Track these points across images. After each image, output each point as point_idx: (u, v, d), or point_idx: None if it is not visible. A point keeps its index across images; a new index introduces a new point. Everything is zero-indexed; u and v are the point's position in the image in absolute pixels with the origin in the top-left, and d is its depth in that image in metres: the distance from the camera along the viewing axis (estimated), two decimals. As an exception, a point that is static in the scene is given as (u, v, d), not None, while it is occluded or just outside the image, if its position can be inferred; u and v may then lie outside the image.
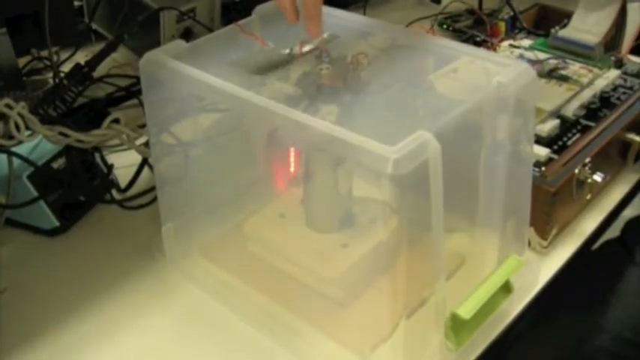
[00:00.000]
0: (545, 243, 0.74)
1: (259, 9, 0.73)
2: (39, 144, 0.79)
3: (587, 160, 0.74)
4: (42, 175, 0.77)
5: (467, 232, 0.74)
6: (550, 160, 0.75)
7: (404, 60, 0.66)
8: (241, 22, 0.71)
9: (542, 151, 0.75)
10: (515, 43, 0.96)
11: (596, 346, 0.85)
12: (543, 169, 0.73)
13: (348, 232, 0.71)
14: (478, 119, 0.59)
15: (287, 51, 0.66)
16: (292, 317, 0.68)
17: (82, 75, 0.91)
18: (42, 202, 0.77)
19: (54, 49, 1.08)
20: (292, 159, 0.64)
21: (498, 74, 0.60)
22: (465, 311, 0.61)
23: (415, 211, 0.57)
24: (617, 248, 0.93)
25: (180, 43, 0.67)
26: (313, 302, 0.69)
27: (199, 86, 0.61)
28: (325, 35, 0.69)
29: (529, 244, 0.75)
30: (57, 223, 0.78)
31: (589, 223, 0.78)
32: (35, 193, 0.76)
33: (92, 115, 0.95)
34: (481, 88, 0.60)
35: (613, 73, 0.88)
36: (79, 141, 0.77)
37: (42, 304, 0.71)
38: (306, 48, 0.67)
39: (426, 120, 0.56)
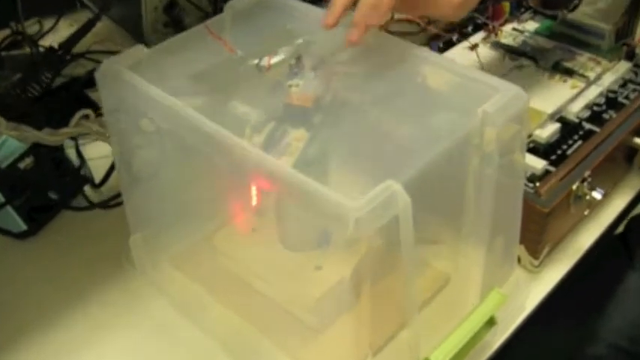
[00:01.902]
0: (536, 262, 0.67)
1: (232, 4, 0.65)
2: (5, 142, 0.72)
3: (587, 174, 0.66)
4: (8, 178, 0.70)
5: (452, 246, 0.66)
6: (546, 173, 0.66)
7: (384, 75, 0.58)
8: (212, 20, 0.63)
9: (538, 164, 0.67)
10: (519, 27, 0.86)
11: (591, 356, 0.78)
12: (538, 184, 0.65)
13: (323, 252, 0.64)
14: (461, 153, 0.51)
15: (255, 62, 0.58)
16: (261, 338, 0.62)
17: (57, 58, 0.83)
18: (9, 207, 0.70)
19: (34, 19, 1.00)
20: (254, 193, 0.57)
21: (486, 101, 0.51)
22: (440, 356, 0.54)
23: (383, 253, 0.50)
24: (618, 247, 0.85)
25: (141, 50, 0.59)
26: (284, 324, 0.63)
27: (155, 108, 0.53)
28: (300, 41, 0.60)
29: (519, 260, 0.68)
30: (25, 227, 0.72)
31: (586, 238, 0.71)
32: (1, 199, 0.69)
33: (72, 97, 0.88)
34: (467, 115, 0.51)
35: (623, 66, 0.78)
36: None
37: (3, 312, 0.65)
38: (276, 59, 0.58)
39: (399, 160, 0.48)
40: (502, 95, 0.51)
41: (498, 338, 0.62)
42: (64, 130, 0.73)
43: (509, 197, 0.58)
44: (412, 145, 0.51)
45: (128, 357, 0.62)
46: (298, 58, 0.59)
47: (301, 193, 0.45)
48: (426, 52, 0.59)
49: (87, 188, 0.78)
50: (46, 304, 0.66)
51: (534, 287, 0.67)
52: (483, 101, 0.51)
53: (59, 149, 0.75)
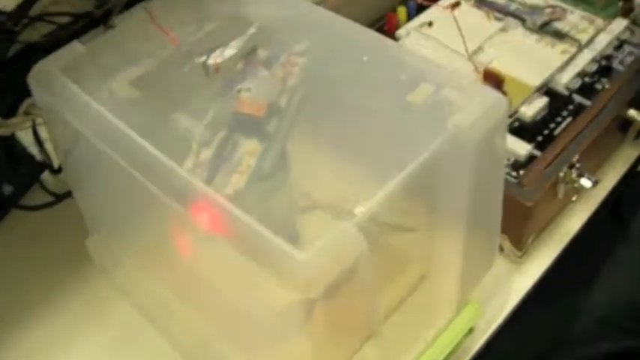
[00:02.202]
0: (519, 253, 0.62)
1: (177, -16, 0.57)
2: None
3: (576, 158, 0.60)
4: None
5: (429, 236, 0.62)
6: (531, 159, 0.61)
7: (350, 76, 0.51)
8: (154, 2, 0.55)
9: (522, 149, 0.61)
10: (507, -20, 0.77)
11: (582, 331, 0.75)
12: (521, 173, 0.59)
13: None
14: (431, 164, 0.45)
15: (202, 59, 0.51)
16: (225, 347, 0.58)
17: (5, 31, 0.75)
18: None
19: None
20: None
21: (457, 111, 0.45)
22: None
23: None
24: (608, 220, 0.80)
25: (77, 47, 0.53)
26: (249, 332, 0.59)
27: (87, 124, 0.48)
28: (253, 30, 0.53)
29: (501, 249, 0.63)
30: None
31: (574, 222, 0.66)
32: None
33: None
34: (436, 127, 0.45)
35: (619, 25, 0.71)
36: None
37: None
38: (226, 54, 0.51)
39: (361, 181, 0.43)
40: (479, 103, 0.45)
41: (476, 343, 0.58)
42: (12, 120, 0.67)
43: (487, 187, 0.53)
44: (377, 166, 0.45)
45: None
46: (251, 52, 0.52)
47: (244, 239, 0.40)
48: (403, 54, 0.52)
49: (45, 174, 0.73)
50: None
51: (518, 277, 0.63)
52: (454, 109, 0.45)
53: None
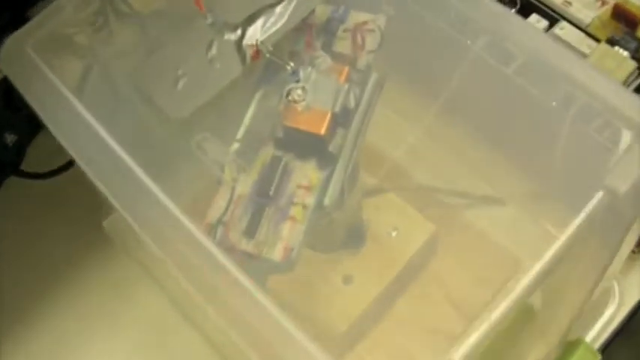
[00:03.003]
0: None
1: None
2: None
3: None
4: None
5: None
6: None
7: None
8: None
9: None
10: None
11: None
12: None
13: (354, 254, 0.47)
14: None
15: (232, 36, 0.35)
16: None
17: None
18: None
19: None
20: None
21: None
22: None
23: None
24: None
25: (63, 8, 0.37)
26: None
27: (64, 134, 0.33)
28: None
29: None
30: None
31: None
32: None
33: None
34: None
35: None
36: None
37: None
38: (271, 25, 0.35)
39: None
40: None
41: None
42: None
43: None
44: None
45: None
46: (305, 22, 0.36)
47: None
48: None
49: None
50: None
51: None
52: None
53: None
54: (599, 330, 0.47)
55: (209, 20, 0.36)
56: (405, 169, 0.51)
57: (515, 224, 0.51)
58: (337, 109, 0.33)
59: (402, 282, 0.47)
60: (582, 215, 0.28)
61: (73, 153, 0.33)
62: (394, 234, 0.47)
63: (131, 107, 0.37)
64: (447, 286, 0.49)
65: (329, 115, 0.34)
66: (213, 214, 0.34)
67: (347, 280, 0.46)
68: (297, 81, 0.33)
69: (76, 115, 0.34)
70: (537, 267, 0.28)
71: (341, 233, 0.45)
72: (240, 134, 0.35)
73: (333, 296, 0.46)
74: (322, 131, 0.33)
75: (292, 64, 0.33)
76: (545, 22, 0.49)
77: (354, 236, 0.46)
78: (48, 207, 0.56)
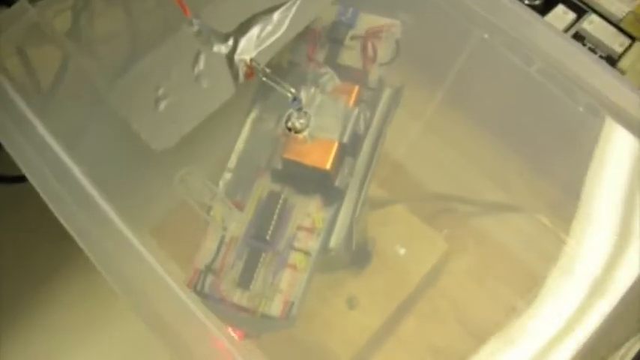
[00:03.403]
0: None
1: None
2: None
3: None
4: None
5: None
6: None
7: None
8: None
9: None
10: None
11: None
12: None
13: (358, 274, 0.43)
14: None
15: (222, 48, 0.30)
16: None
17: None
18: None
19: None
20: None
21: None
22: None
23: None
24: None
25: (25, 10, 0.32)
26: None
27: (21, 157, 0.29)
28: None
29: None
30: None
31: None
32: None
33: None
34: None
35: None
36: None
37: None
38: (267, 36, 0.30)
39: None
40: None
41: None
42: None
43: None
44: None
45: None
46: (302, 36, 0.30)
47: None
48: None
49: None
50: None
51: None
52: None
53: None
54: None
55: (195, 28, 0.30)
56: (414, 174, 0.46)
57: (532, 234, 0.46)
58: (345, 139, 0.28)
59: (410, 302, 0.43)
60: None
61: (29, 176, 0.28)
62: (402, 252, 0.43)
63: (104, 125, 0.31)
64: (456, 303, 0.45)
65: (335, 147, 0.29)
66: (202, 259, 0.29)
67: (351, 303, 0.42)
68: (300, 109, 0.28)
69: (31, 130, 0.29)
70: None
71: (344, 253, 0.40)
72: (231, 163, 0.30)
73: (336, 321, 0.42)
74: (328, 166, 0.28)
75: (293, 90, 0.28)
76: (572, 15, 0.44)
77: (359, 255, 0.42)
78: (17, 213, 0.51)
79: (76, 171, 0.28)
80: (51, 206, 0.28)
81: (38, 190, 0.29)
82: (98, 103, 0.31)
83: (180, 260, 0.30)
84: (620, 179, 0.35)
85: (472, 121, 0.42)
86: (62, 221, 0.28)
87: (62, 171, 0.29)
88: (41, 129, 0.30)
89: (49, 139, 0.29)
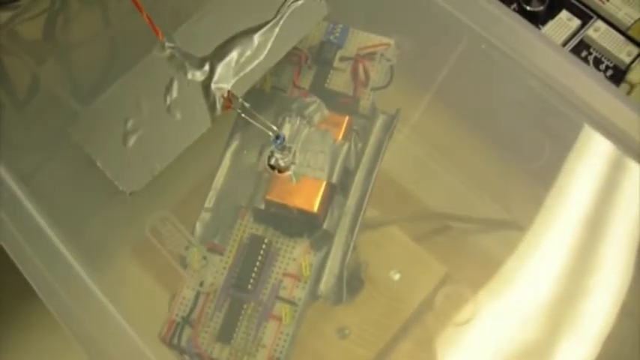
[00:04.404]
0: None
1: None
2: None
3: None
4: None
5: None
6: None
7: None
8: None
9: None
10: None
11: None
12: None
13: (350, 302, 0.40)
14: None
15: (198, 75, 0.27)
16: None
17: None
18: None
19: None
20: None
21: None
22: None
23: None
24: None
25: None
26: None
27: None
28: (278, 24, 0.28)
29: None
30: None
31: None
32: None
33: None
34: None
35: None
36: None
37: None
38: (248, 61, 0.27)
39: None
40: None
41: None
42: None
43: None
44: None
45: None
46: (286, 57, 0.27)
47: None
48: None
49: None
50: None
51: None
52: None
53: None
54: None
55: (167, 52, 0.27)
56: (409, 192, 0.44)
57: (531, 251, 0.44)
58: (334, 179, 0.25)
59: (405, 328, 0.40)
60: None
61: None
62: (397, 277, 0.40)
63: (69, 157, 0.28)
64: (454, 326, 0.43)
65: (323, 187, 0.26)
66: (177, 310, 0.26)
67: (342, 332, 0.39)
68: (283, 146, 0.25)
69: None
70: None
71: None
72: (209, 202, 0.27)
73: (327, 352, 0.39)
74: (315, 209, 0.25)
75: (275, 128, 0.25)
76: (577, 21, 0.41)
77: (350, 281, 0.39)
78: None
79: (31, 208, 0.25)
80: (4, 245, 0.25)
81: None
82: (65, 132, 0.28)
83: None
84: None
85: (469, 136, 0.40)
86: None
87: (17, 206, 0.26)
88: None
89: (6, 175, 0.26)
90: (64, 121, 0.28)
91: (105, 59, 0.35)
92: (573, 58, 0.33)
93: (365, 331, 0.39)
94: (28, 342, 0.40)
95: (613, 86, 0.37)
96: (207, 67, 0.27)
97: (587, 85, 0.31)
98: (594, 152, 0.30)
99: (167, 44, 0.28)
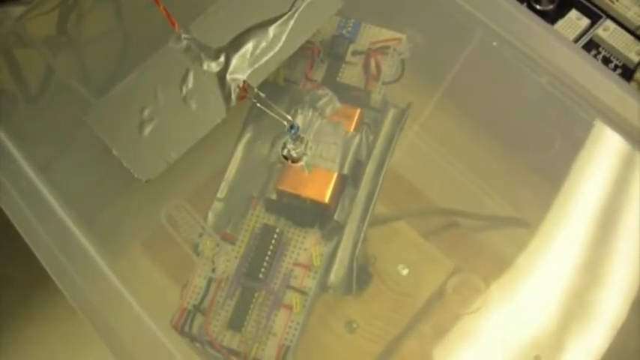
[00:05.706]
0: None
1: None
2: None
3: None
4: None
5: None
6: None
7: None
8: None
9: None
10: None
11: None
12: None
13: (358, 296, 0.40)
14: None
15: (213, 66, 0.27)
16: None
17: None
18: None
19: None
20: None
21: None
22: None
23: None
24: None
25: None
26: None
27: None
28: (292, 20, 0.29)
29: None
30: None
31: None
32: None
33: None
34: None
35: None
36: None
37: None
38: (262, 52, 0.27)
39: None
40: None
41: None
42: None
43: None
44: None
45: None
46: (299, 51, 0.28)
47: None
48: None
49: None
50: None
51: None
52: None
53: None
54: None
55: (183, 43, 0.27)
56: (417, 188, 0.44)
57: (542, 245, 0.44)
58: (346, 170, 0.26)
59: (413, 323, 0.41)
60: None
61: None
62: (405, 272, 0.40)
63: (85, 145, 0.29)
64: (462, 322, 0.43)
65: (335, 178, 0.26)
66: (189, 298, 0.26)
67: (350, 326, 0.39)
68: (297, 137, 0.25)
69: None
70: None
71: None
72: (221, 192, 0.27)
73: (335, 346, 0.39)
74: (326, 199, 0.26)
75: (290, 117, 0.25)
76: (586, 21, 0.41)
77: (358, 275, 0.39)
78: None
79: (47, 194, 0.26)
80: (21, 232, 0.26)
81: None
82: (80, 122, 0.28)
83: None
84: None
85: (478, 133, 0.40)
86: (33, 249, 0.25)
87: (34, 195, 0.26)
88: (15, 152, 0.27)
89: (23, 164, 0.27)
90: (78, 112, 0.29)
91: (118, 53, 0.35)
92: (585, 54, 0.33)
93: (373, 325, 0.39)
94: (42, 333, 0.41)
95: (624, 82, 0.37)
96: (222, 59, 0.27)
97: (599, 81, 0.31)
98: (605, 148, 0.31)
99: (183, 36, 0.28)
